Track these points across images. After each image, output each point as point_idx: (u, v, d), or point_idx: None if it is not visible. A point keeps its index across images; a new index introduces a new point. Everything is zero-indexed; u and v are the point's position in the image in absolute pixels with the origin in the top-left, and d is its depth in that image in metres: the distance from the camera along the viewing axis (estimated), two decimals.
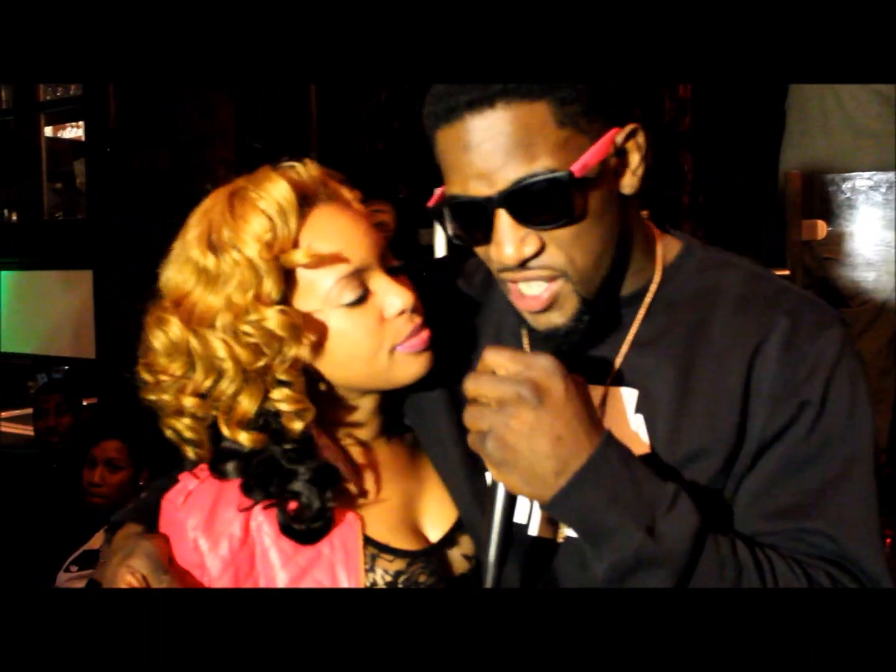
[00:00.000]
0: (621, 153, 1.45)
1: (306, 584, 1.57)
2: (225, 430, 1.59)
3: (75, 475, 4.72)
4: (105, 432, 4.87)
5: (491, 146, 1.37)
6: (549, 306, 1.48)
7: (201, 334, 1.57)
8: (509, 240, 1.41)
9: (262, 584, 1.59)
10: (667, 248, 1.65)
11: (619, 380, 1.57)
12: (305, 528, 1.58)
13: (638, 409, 1.55)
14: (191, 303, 1.59)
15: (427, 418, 1.81)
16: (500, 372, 1.36)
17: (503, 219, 1.40)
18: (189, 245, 1.61)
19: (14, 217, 8.32)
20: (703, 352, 1.53)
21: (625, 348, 1.58)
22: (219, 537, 1.58)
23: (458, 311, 1.80)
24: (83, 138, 7.77)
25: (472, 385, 1.37)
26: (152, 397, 1.64)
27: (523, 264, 1.44)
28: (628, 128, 1.44)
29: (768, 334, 1.48)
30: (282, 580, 1.60)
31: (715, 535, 1.37)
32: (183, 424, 1.62)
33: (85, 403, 6.04)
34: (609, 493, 1.32)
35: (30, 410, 6.04)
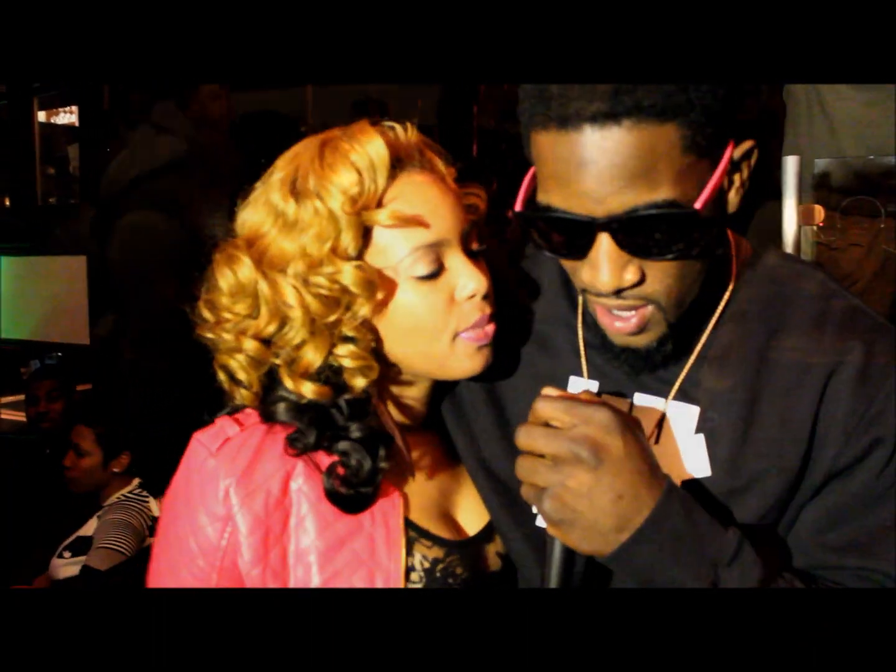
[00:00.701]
0: (733, 170, 1.36)
1: (343, 555, 1.53)
2: (288, 382, 1.56)
3: None
4: (77, 417, 4.88)
5: (608, 166, 1.24)
6: (637, 331, 1.41)
7: (271, 278, 1.55)
8: (608, 267, 1.32)
9: (292, 549, 1.54)
10: (739, 253, 1.56)
11: (682, 395, 1.51)
12: (353, 493, 1.54)
13: (698, 429, 1.48)
14: (264, 245, 1.57)
15: (462, 408, 1.77)
16: (553, 423, 1.29)
17: (605, 244, 1.30)
18: (271, 187, 1.59)
19: (7, 202, 8.29)
20: (772, 374, 1.46)
21: (690, 361, 1.52)
22: (255, 492, 1.52)
23: (503, 301, 1.69)
24: (76, 123, 7.74)
25: (525, 439, 1.31)
26: (210, 335, 1.61)
27: (617, 292, 1.34)
28: (746, 145, 1.35)
29: (842, 362, 1.41)
30: (316, 548, 1.55)
31: (776, 581, 1.34)
32: (237, 363, 1.59)
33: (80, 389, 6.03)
34: (670, 550, 1.28)
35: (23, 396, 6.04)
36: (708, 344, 1.52)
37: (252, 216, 1.61)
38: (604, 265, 1.32)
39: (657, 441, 1.51)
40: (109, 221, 3.83)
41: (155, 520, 4.53)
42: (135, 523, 4.44)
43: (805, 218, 3.38)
